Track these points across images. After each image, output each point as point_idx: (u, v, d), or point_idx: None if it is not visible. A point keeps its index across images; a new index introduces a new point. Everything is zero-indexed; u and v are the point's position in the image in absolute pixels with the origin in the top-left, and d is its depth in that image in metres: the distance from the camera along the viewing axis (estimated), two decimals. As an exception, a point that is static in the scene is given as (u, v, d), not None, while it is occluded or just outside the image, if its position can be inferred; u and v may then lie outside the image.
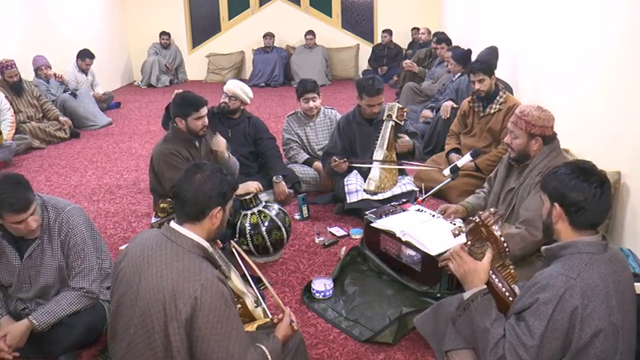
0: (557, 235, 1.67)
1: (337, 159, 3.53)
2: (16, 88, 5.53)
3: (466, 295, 1.73)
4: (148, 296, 1.60)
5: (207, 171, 1.74)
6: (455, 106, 4.65)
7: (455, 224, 2.67)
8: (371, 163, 3.56)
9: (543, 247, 1.71)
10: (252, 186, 3.21)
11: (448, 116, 4.63)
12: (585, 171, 1.61)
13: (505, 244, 1.73)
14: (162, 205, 2.78)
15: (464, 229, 1.79)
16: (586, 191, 1.57)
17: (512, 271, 1.83)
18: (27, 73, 6.29)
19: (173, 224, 1.72)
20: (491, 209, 1.80)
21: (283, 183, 3.79)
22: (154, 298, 1.59)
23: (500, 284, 1.78)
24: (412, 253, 2.68)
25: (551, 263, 1.64)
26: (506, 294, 1.76)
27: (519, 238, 2.37)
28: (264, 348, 1.75)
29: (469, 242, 1.76)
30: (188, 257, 1.65)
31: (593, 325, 1.48)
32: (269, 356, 1.74)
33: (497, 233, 1.72)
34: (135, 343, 1.64)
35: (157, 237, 1.71)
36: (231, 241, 2.21)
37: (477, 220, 1.73)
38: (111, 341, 1.77)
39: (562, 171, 1.64)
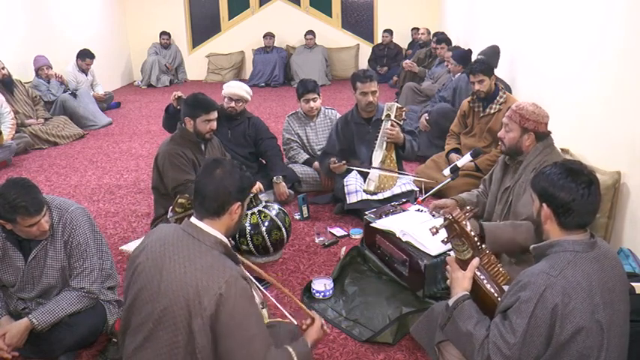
0: (546, 234, 1.69)
1: (336, 161, 3.57)
2: (6, 84, 5.50)
3: (450, 302, 1.78)
4: (170, 292, 1.60)
5: (228, 166, 1.75)
6: (427, 117, 4.81)
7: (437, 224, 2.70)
8: (368, 168, 3.56)
9: (532, 246, 1.73)
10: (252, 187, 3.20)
11: (429, 129, 4.77)
12: (574, 171, 1.61)
13: (476, 239, 1.80)
14: (180, 200, 2.78)
15: (438, 227, 1.85)
16: (574, 192, 1.58)
17: (501, 269, 1.86)
18: (28, 74, 6.30)
19: (194, 220, 1.72)
20: (467, 207, 1.87)
21: (284, 184, 3.79)
22: (176, 294, 1.59)
23: (485, 281, 1.81)
24: (401, 256, 2.68)
25: (539, 262, 1.65)
26: (492, 290, 1.79)
27: (525, 229, 2.37)
28: (290, 350, 1.73)
29: (447, 239, 1.84)
30: (211, 254, 1.65)
31: (574, 322, 1.49)
32: (295, 358, 1.71)
33: (468, 229, 1.79)
34: (153, 337, 1.64)
35: (178, 232, 1.70)
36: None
37: (450, 218, 1.80)
38: (123, 334, 1.76)
39: (551, 171, 1.65)
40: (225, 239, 1.72)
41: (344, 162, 3.58)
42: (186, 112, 3.18)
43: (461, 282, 1.79)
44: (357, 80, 3.62)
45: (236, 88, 3.84)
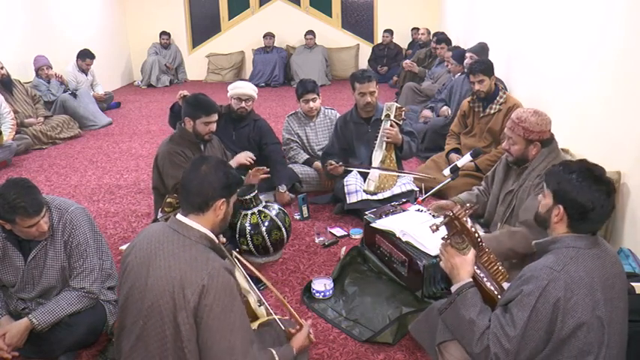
0: (552, 231, 1.69)
1: (334, 162, 3.60)
2: (5, 84, 5.51)
3: (453, 288, 1.78)
4: (156, 287, 1.61)
5: (213, 163, 1.77)
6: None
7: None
8: (367, 168, 3.57)
9: (534, 242, 1.73)
10: (243, 157, 3.24)
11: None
12: (597, 178, 1.60)
13: (477, 236, 1.79)
14: (168, 199, 2.80)
15: (438, 224, 1.84)
16: (596, 200, 1.57)
17: (500, 268, 1.86)
18: (28, 74, 6.30)
19: (179, 216, 1.74)
20: (467, 204, 1.86)
21: (287, 193, 3.78)
22: (162, 288, 1.60)
23: (485, 279, 1.81)
24: (400, 256, 2.68)
25: (542, 257, 1.65)
26: (491, 288, 1.79)
27: (520, 236, 2.37)
28: (273, 352, 1.76)
29: (448, 236, 1.83)
30: (195, 248, 1.66)
31: (575, 317, 1.50)
32: None
33: (469, 225, 1.79)
34: (144, 334, 1.64)
35: (164, 229, 1.72)
36: (233, 252, 2.19)
37: (451, 214, 1.79)
38: (118, 335, 1.77)
39: (573, 174, 1.62)
40: (210, 234, 1.73)
41: (341, 163, 3.60)
42: (186, 112, 3.18)
43: (466, 267, 1.77)
44: (356, 81, 3.62)
45: (245, 87, 3.84)
